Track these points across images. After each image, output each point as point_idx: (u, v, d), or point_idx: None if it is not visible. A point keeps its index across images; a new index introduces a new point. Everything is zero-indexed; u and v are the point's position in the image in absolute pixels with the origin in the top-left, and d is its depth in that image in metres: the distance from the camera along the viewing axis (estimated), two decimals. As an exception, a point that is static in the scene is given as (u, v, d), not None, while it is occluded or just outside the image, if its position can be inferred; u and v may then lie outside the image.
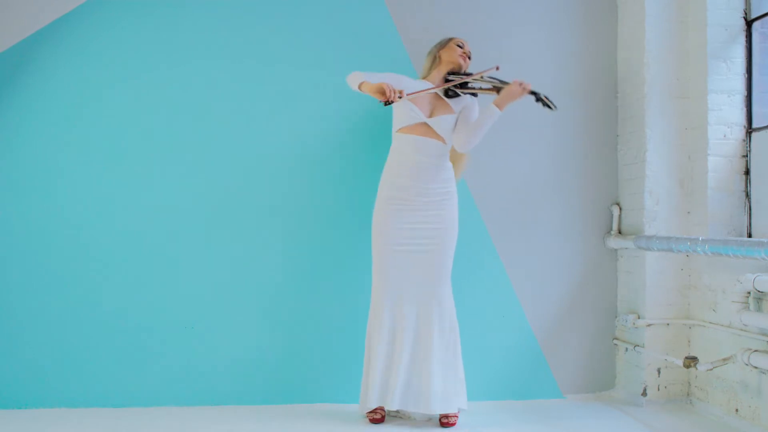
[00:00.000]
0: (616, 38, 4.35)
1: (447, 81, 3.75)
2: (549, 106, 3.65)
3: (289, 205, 4.08)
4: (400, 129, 3.73)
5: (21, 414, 3.80)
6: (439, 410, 3.62)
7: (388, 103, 3.46)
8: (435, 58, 3.82)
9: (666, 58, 4.08)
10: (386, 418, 3.74)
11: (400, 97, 3.48)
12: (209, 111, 4.05)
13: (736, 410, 3.65)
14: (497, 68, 3.64)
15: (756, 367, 3.44)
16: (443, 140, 3.70)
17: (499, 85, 3.72)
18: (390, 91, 3.45)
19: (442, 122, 3.68)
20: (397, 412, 3.78)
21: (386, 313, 3.68)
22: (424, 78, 3.84)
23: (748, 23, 3.93)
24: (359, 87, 3.59)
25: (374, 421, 3.70)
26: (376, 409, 3.70)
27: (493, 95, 3.73)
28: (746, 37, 3.93)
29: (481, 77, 3.73)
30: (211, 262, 4.03)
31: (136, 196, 4.00)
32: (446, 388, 3.63)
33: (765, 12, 3.85)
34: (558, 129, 4.29)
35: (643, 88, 4.08)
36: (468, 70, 3.84)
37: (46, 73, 3.97)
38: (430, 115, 3.71)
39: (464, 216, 4.15)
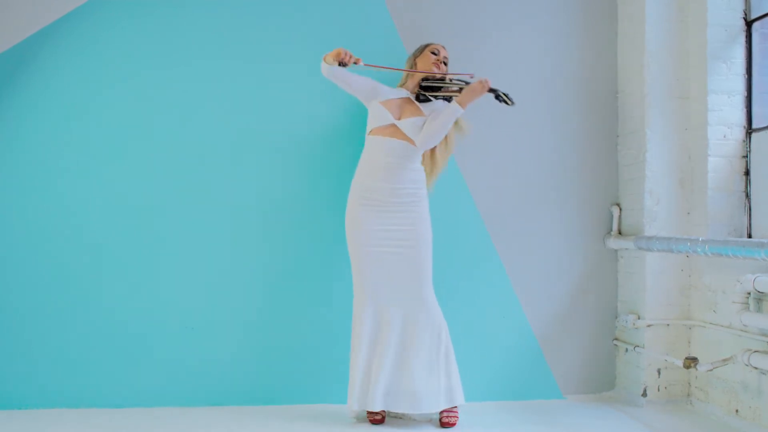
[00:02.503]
0: (616, 38, 4.34)
1: (421, 88, 3.83)
2: (506, 102, 3.64)
3: (289, 206, 4.08)
4: (371, 131, 3.79)
5: (21, 414, 3.79)
6: (424, 409, 3.61)
7: (342, 64, 3.59)
8: (412, 66, 3.88)
9: (666, 58, 4.07)
10: (386, 419, 3.74)
11: (355, 63, 3.60)
12: (210, 111, 4.04)
13: (737, 411, 3.65)
14: (471, 76, 3.73)
15: (756, 368, 3.44)
16: (412, 142, 3.73)
17: (465, 86, 3.75)
18: (345, 54, 3.58)
19: (410, 125, 3.73)
20: (398, 413, 3.78)
21: (368, 314, 3.69)
22: (401, 86, 3.92)
23: (748, 23, 3.93)
24: (323, 60, 3.68)
25: (374, 422, 3.70)
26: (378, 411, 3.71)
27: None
28: (746, 37, 3.93)
29: (450, 80, 3.78)
30: (211, 263, 4.03)
31: (136, 196, 3.99)
32: (430, 388, 3.61)
33: (765, 12, 3.85)
34: (558, 129, 4.29)
35: (643, 88, 4.08)
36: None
37: (46, 73, 3.96)
38: (400, 118, 3.74)
39: (464, 216, 4.15)
